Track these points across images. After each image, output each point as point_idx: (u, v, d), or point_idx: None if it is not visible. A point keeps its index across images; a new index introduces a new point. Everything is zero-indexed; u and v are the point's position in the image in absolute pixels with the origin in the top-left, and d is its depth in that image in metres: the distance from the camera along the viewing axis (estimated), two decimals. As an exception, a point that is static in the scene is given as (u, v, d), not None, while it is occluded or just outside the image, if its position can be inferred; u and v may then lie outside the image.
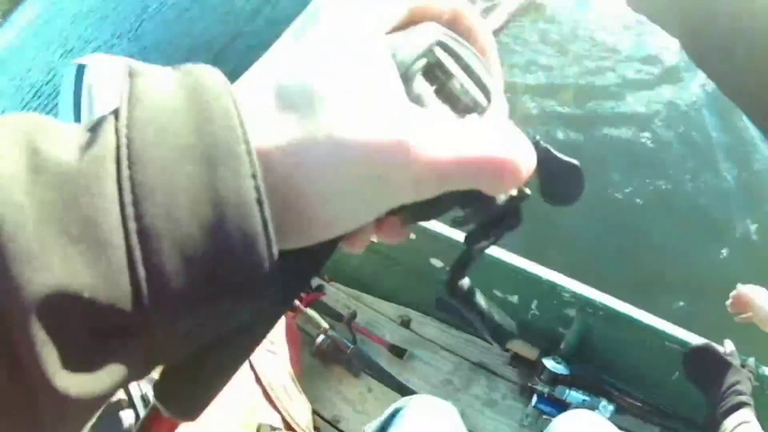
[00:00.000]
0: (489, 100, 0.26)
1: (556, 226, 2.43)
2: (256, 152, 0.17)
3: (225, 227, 0.17)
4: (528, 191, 0.29)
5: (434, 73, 0.24)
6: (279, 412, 1.44)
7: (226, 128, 0.17)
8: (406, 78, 0.22)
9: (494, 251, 1.45)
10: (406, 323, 1.67)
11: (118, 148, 0.17)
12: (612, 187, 2.55)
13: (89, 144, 0.17)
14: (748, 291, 1.15)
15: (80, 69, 1.32)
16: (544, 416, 1.41)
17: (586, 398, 1.38)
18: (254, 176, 0.17)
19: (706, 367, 1.23)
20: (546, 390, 1.42)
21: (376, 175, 0.19)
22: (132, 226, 0.16)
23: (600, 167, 2.63)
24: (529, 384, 1.45)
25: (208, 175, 0.17)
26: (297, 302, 1.62)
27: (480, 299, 0.35)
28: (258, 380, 1.45)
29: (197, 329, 0.18)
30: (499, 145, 0.21)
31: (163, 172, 0.17)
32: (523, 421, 1.43)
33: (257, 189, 0.17)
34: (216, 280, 0.17)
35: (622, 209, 2.49)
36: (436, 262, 1.59)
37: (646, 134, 2.77)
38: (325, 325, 1.59)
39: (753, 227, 2.27)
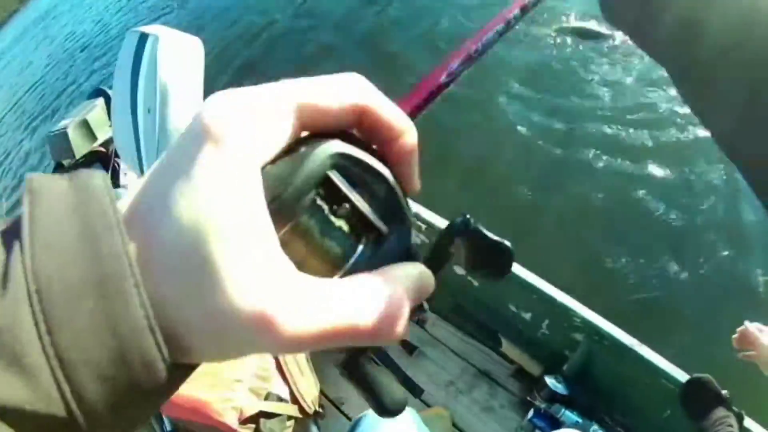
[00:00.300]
0: (392, 221, 0.26)
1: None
2: (144, 285, 0.20)
3: (127, 355, 0.19)
4: (426, 306, 0.29)
5: (328, 200, 0.23)
6: (288, 385, 1.55)
7: (116, 263, 0.20)
8: (293, 214, 0.22)
9: (515, 267, 1.52)
10: (421, 323, 1.76)
11: (28, 290, 0.19)
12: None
13: (4, 283, 0.20)
14: (755, 329, 1.15)
15: (143, 37, 1.43)
16: (537, 430, 1.48)
17: (579, 420, 1.44)
18: (143, 306, 0.19)
19: (701, 398, 1.27)
20: (543, 406, 1.48)
21: (246, 339, 0.21)
22: (50, 352, 0.19)
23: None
24: (528, 398, 1.52)
25: (105, 311, 0.19)
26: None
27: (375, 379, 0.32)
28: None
29: (122, 425, 0.21)
30: (363, 314, 0.22)
31: (67, 308, 0.19)
32: (516, 432, 1.51)
33: (147, 318, 0.19)
34: (129, 394, 0.20)
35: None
36: (459, 270, 1.67)
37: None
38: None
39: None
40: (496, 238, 0.33)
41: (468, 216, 0.33)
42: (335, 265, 0.24)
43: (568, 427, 1.43)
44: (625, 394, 1.47)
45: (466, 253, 0.34)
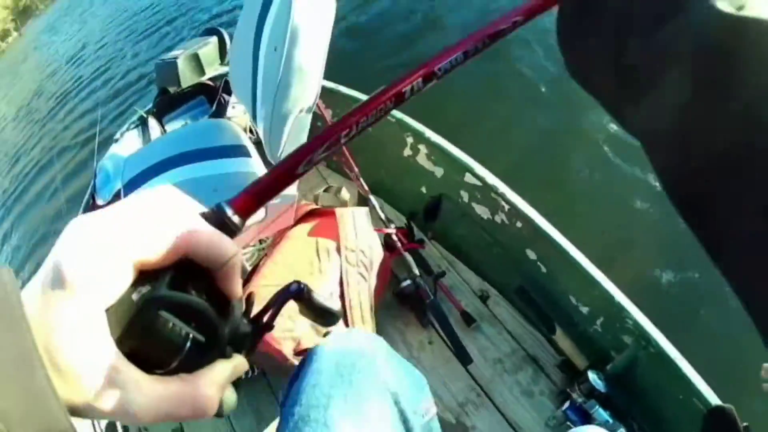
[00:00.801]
0: (208, 332, 0.34)
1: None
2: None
3: None
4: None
5: (154, 323, 0.31)
6: (348, 327, 1.64)
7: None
8: (134, 336, 0.31)
9: (582, 260, 1.55)
10: (484, 298, 1.82)
11: None
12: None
13: None
14: None
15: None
16: (568, 422, 1.52)
17: (609, 420, 1.47)
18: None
19: (720, 428, 1.26)
20: (580, 400, 1.52)
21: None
22: None
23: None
24: (568, 389, 1.55)
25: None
26: (398, 245, 1.81)
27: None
28: (342, 295, 1.66)
29: None
30: (171, 403, 0.32)
31: None
32: (548, 421, 1.56)
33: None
34: None
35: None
36: (531, 254, 1.70)
37: None
38: (416, 271, 1.75)
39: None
40: (325, 304, 0.50)
41: (302, 285, 0.47)
42: (168, 363, 0.33)
43: (598, 424, 1.47)
44: (657, 404, 1.49)
45: (302, 309, 0.49)
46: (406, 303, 1.82)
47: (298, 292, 0.48)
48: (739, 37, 0.32)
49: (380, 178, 2.13)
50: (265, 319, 0.43)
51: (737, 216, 0.31)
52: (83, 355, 0.29)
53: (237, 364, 0.38)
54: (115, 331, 0.31)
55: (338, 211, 1.77)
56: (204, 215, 0.37)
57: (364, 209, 1.78)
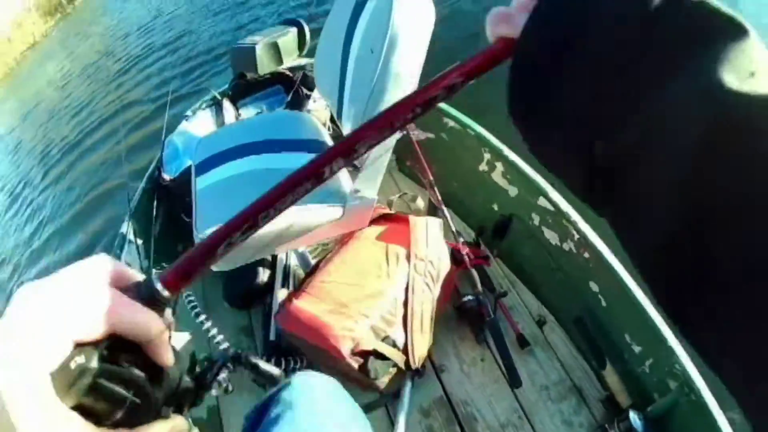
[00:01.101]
0: (143, 398, 0.39)
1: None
2: None
3: None
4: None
5: (91, 390, 0.36)
6: (406, 335, 1.68)
7: None
8: (70, 400, 0.35)
9: (642, 299, 1.56)
10: (541, 323, 1.84)
11: None
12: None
13: None
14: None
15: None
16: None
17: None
18: None
19: None
20: None
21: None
22: None
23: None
24: (606, 425, 1.56)
25: None
26: (466, 260, 1.84)
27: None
28: (406, 302, 1.69)
29: None
30: None
31: None
32: (581, 454, 1.58)
33: None
34: None
35: None
36: (594, 286, 1.71)
37: None
38: (479, 288, 1.79)
39: None
40: (265, 368, 0.60)
41: (240, 352, 0.56)
42: (109, 419, 0.38)
43: None
44: None
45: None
46: (464, 318, 1.85)
47: (235, 357, 0.57)
48: (745, 129, 0.27)
49: (452, 190, 2.16)
50: (208, 377, 0.51)
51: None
52: (32, 414, 0.33)
53: (175, 424, 0.44)
54: (60, 391, 0.35)
55: (413, 219, 1.80)
56: (135, 287, 0.41)
57: (439, 221, 1.82)
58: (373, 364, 1.62)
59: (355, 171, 1.54)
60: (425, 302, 1.72)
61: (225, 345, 1.74)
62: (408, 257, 1.73)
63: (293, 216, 1.54)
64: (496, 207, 2.08)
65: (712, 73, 0.27)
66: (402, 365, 1.68)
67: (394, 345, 1.67)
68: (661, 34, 0.30)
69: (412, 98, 0.42)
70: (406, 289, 1.71)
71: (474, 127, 2.03)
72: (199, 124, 2.54)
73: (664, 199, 0.29)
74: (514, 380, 1.66)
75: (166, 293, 0.41)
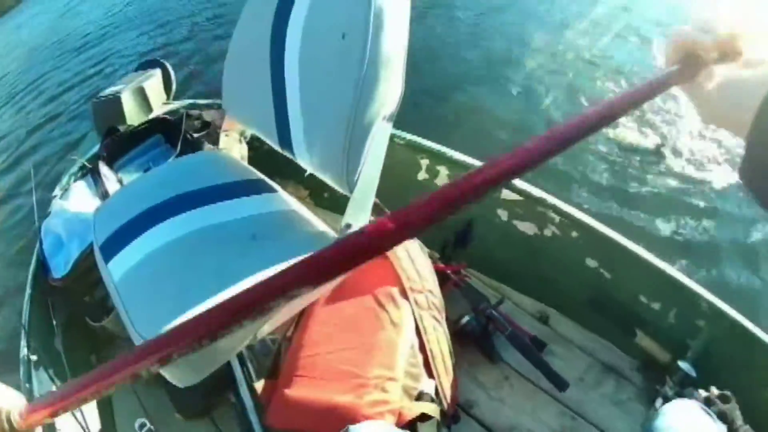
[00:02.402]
0: None
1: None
2: None
3: None
4: None
5: None
6: (436, 381, 1.41)
7: None
8: None
9: (645, 254, 1.51)
10: (544, 319, 1.70)
11: None
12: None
13: None
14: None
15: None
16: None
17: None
18: None
19: None
20: (671, 393, 1.45)
21: None
22: None
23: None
24: (657, 387, 1.48)
25: None
26: (453, 278, 1.62)
27: None
28: (422, 347, 1.42)
29: None
30: None
31: None
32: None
33: None
34: None
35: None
36: (591, 262, 1.62)
37: None
38: (480, 304, 1.59)
39: None
40: None
41: None
42: None
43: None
44: (741, 384, 1.46)
45: None
46: (467, 341, 1.63)
47: None
48: None
49: (393, 209, 1.88)
50: None
51: None
52: None
53: None
54: None
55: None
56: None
57: (415, 241, 1.57)
58: (423, 430, 1.32)
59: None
60: (440, 340, 1.47)
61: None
62: (404, 293, 1.46)
63: None
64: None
65: None
66: (438, 417, 1.40)
67: (433, 400, 1.38)
68: None
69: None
70: (417, 331, 1.44)
71: (402, 135, 1.82)
72: (78, 200, 1.95)
73: None
74: (560, 383, 1.48)
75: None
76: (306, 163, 1.30)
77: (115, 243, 1.30)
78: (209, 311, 0.39)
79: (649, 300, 1.57)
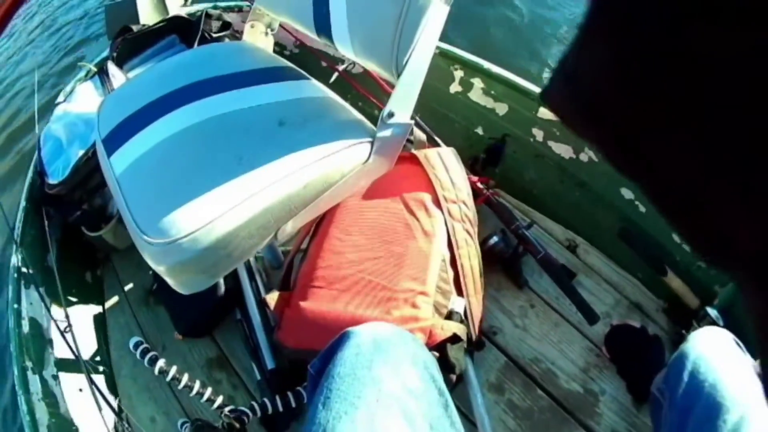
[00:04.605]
0: None
1: None
2: None
3: None
4: None
5: None
6: (465, 300, 1.28)
7: None
8: None
9: None
10: (572, 248, 1.58)
11: None
12: None
13: None
14: None
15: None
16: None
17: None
18: None
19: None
20: None
21: None
22: None
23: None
24: (683, 331, 1.40)
25: None
26: (486, 192, 1.48)
27: None
28: (453, 261, 1.29)
29: None
30: None
31: None
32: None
33: None
34: None
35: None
36: (627, 193, 1.50)
37: None
38: (512, 224, 1.45)
39: None
40: None
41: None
42: None
43: None
44: None
45: None
46: (494, 262, 1.50)
47: None
48: None
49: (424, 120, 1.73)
50: None
51: None
52: None
53: None
54: None
55: (419, 153, 1.37)
56: None
57: (450, 148, 1.41)
58: (452, 352, 1.19)
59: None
60: (472, 256, 1.33)
61: (218, 401, 1.17)
62: (436, 202, 1.31)
63: (306, 172, 1.00)
64: (481, 131, 1.73)
65: None
66: (465, 341, 1.27)
67: (462, 320, 1.25)
68: None
69: None
70: (449, 244, 1.29)
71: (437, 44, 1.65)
72: (83, 101, 1.74)
73: None
74: (591, 316, 1.36)
75: None
76: (347, 48, 1.13)
77: (120, 134, 1.10)
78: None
79: (683, 240, 1.46)
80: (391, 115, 1.06)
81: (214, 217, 0.93)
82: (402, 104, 1.07)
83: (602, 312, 1.46)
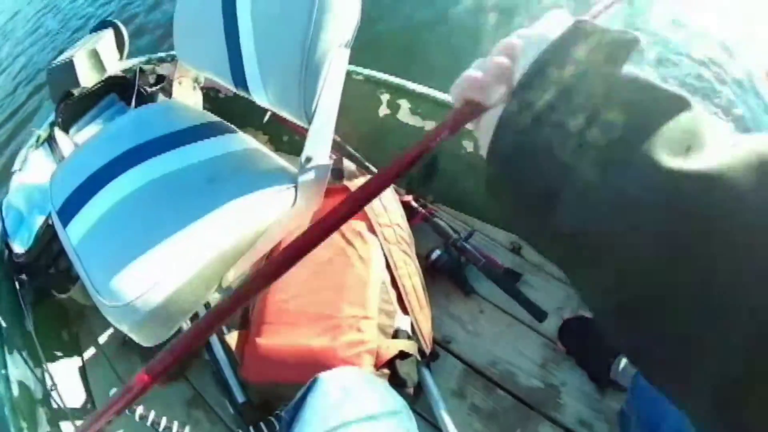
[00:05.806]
0: None
1: None
2: None
3: None
4: None
5: None
6: (411, 317, 1.35)
7: None
8: None
9: None
10: (517, 250, 1.64)
11: None
12: None
13: None
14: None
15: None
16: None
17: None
18: None
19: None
20: None
21: None
22: None
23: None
24: None
25: None
26: (421, 211, 1.54)
27: None
28: (394, 282, 1.35)
29: None
30: None
31: None
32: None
33: None
34: None
35: None
36: None
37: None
38: (448, 237, 1.52)
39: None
40: None
41: None
42: None
43: None
44: None
45: None
46: (439, 275, 1.56)
47: None
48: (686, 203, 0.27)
49: (356, 147, 1.80)
50: None
51: None
52: None
53: None
54: None
55: (351, 184, 1.45)
56: None
57: (380, 177, 1.48)
58: (403, 368, 1.26)
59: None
60: (412, 274, 1.40)
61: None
62: (371, 229, 1.38)
63: (237, 224, 1.09)
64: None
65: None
66: (417, 355, 1.33)
67: (410, 337, 1.32)
68: None
69: (399, 160, 0.42)
70: (387, 266, 1.36)
71: (359, 71, 1.72)
72: (36, 170, 1.84)
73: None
74: (538, 314, 1.42)
75: None
76: (262, 99, 1.21)
77: (72, 205, 1.21)
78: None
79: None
80: (309, 159, 1.14)
81: (159, 278, 1.03)
82: (317, 148, 1.14)
83: (555, 307, 1.52)
